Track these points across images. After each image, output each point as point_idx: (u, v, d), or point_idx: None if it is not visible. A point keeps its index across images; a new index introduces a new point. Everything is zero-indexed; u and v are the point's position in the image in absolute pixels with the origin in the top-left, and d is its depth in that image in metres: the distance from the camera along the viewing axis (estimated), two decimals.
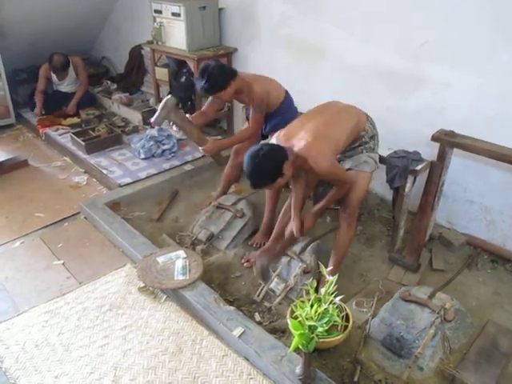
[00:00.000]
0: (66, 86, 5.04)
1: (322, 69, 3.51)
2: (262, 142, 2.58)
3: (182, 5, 3.89)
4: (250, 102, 2.91)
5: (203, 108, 3.15)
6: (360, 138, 2.47)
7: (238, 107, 3.98)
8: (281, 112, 2.96)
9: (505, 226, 2.89)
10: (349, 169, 2.49)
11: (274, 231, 2.86)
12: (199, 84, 2.74)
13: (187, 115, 3.03)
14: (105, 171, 3.85)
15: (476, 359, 2.20)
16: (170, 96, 2.94)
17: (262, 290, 2.60)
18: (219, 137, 4.30)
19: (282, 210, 2.82)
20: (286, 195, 3.30)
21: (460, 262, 2.88)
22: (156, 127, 4.23)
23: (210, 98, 3.08)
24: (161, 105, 2.89)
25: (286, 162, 2.14)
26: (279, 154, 2.15)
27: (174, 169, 3.90)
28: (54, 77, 4.95)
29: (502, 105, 2.64)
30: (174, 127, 2.94)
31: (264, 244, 2.97)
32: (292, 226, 2.58)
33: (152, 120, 2.92)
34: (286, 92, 3.02)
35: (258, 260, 2.66)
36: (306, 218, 2.57)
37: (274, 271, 2.66)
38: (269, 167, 2.12)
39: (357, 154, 2.47)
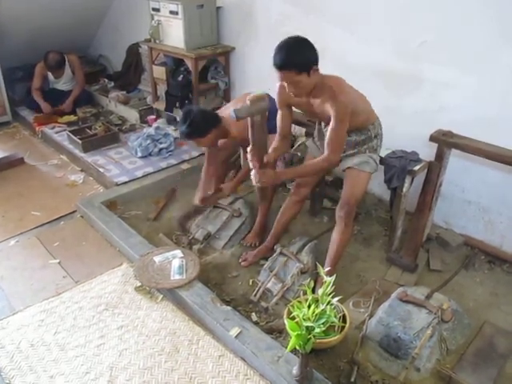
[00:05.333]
0: (62, 85, 5.02)
1: (320, 68, 3.49)
2: None
3: (180, 3, 3.87)
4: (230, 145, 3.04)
5: (205, 166, 3.23)
6: (367, 130, 2.46)
7: None
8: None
9: (502, 226, 2.89)
10: (349, 167, 2.48)
11: (272, 232, 2.86)
12: (181, 128, 2.78)
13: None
14: (101, 170, 3.83)
15: (473, 360, 2.20)
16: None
17: (258, 289, 2.60)
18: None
19: (280, 211, 2.82)
20: (283, 195, 3.31)
21: (457, 263, 2.88)
22: (153, 126, 4.24)
23: (206, 152, 3.16)
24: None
25: (315, 66, 2.16)
26: (315, 52, 2.18)
27: (171, 167, 3.88)
28: (50, 75, 4.92)
29: (501, 105, 2.63)
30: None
31: (256, 244, 2.99)
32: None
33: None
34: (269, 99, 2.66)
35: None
36: (270, 165, 2.49)
37: (271, 271, 2.65)
38: (303, 50, 2.14)
39: (360, 154, 2.47)
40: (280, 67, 2.12)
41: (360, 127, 2.42)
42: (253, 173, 2.40)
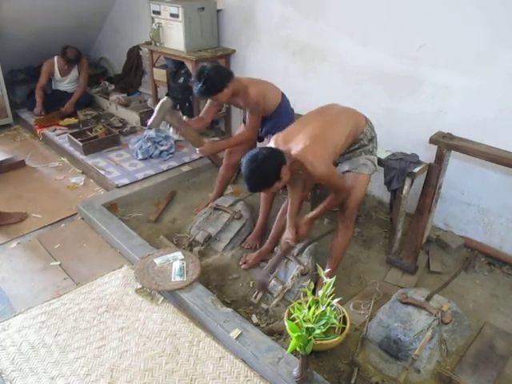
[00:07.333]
0: (66, 85, 5.04)
1: (320, 71, 3.52)
2: (260, 145, 2.56)
3: (181, 6, 3.89)
4: (246, 106, 2.90)
5: (201, 114, 3.14)
6: (359, 140, 2.46)
7: (236, 108, 3.98)
8: (277, 115, 2.94)
9: (502, 228, 2.89)
10: (347, 171, 2.49)
11: (271, 233, 2.87)
12: (196, 87, 2.72)
13: (184, 117, 3.03)
14: (102, 172, 3.84)
15: (473, 361, 2.21)
16: (166, 98, 2.93)
17: (259, 291, 2.60)
18: (217, 138, 4.31)
19: (279, 213, 2.83)
20: (282, 197, 3.31)
21: (457, 265, 2.89)
22: (154, 128, 4.24)
23: (208, 103, 3.07)
24: (157, 107, 2.88)
25: (283, 166, 2.14)
26: (277, 158, 2.14)
27: (171, 170, 3.89)
28: (56, 73, 4.95)
29: (500, 107, 2.64)
30: (171, 129, 2.94)
31: (256, 246, 3.00)
32: (287, 235, 2.58)
33: (149, 123, 2.92)
34: (283, 95, 3.02)
35: (259, 276, 2.63)
36: (301, 226, 2.56)
37: (271, 272, 2.66)
38: (267, 171, 2.11)
39: (355, 157, 2.47)
40: (253, 192, 2.29)
41: (352, 142, 2.45)
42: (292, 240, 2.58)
